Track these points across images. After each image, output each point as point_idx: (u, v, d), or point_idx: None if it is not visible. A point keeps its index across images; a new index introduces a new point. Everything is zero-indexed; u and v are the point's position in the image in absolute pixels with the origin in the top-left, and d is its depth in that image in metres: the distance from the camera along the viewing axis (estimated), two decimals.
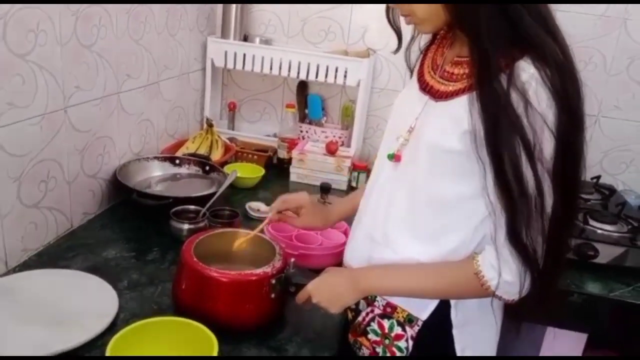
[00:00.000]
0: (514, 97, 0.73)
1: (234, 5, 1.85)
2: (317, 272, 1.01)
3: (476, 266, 0.82)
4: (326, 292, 0.93)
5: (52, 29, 1.13)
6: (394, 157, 0.89)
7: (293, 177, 1.78)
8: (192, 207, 1.32)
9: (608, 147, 1.86)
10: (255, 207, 1.49)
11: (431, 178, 0.85)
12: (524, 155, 0.73)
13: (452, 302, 0.89)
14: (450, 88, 0.83)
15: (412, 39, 0.96)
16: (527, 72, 0.73)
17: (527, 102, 0.72)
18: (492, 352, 0.97)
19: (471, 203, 0.82)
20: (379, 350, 0.96)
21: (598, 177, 1.80)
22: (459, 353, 0.90)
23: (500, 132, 0.73)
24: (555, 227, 0.77)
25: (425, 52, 0.95)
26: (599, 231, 1.44)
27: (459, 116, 0.78)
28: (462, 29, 0.81)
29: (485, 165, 0.77)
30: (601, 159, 1.87)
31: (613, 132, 1.84)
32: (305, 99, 1.97)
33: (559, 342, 1.41)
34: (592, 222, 1.47)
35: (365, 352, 0.99)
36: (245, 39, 1.91)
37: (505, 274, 0.80)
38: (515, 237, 0.77)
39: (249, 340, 0.98)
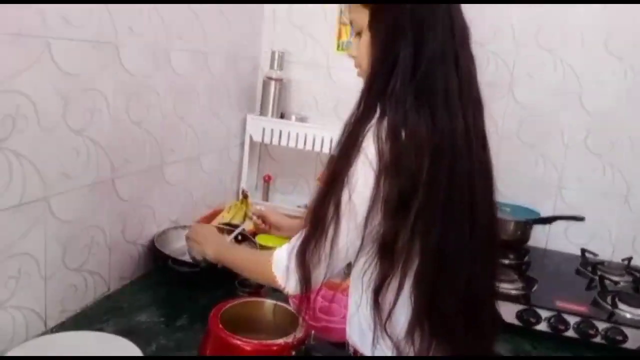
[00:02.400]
0: (356, 148, 0.83)
1: (272, 85, 1.98)
2: (338, 345, 1.04)
3: (270, 257, 0.97)
4: (200, 234, 1.25)
5: (107, 108, 1.25)
6: None
7: None
8: None
9: (639, 227, 1.84)
10: None
11: None
12: (336, 186, 0.84)
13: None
14: None
15: None
16: (368, 134, 0.83)
17: (363, 154, 0.83)
18: None
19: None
20: None
21: (630, 259, 1.77)
22: None
23: (333, 166, 0.86)
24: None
25: None
26: (629, 315, 1.41)
27: None
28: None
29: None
30: (633, 240, 1.85)
31: None
32: None
33: None
34: (621, 306, 1.44)
35: None
36: (282, 116, 2.03)
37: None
38: (300, 247, 0.89)
39: None
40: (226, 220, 1.81)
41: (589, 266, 1.72)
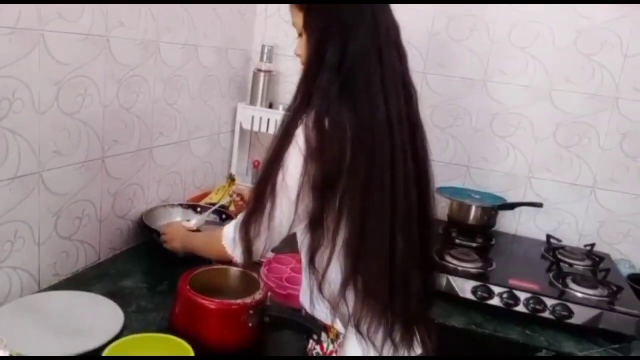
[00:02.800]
0: (289, 136, 0.96)
1: (262, 76, 2.11)
2: (295, 309, 1.18)
3: (220, 232, 1.13)
4: (171, 233, 1.43)
5: (98, 94, 1.39)
6: None
7: None
8: None
9: (604, 217, 1.94)
10: None
11: None
12: (272, 167, 0.97)
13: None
14: None
15: None
16: (300, 125, 0.95)
17: (294, 140, 0.95)
18: None
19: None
20: None
21: (592, 245, 1.88)
22: None
23: (271, 150, 0.99)
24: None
25: None
26: (579, 294, 1.52)
27: None
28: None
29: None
30: (598, 228, 1.95)
31: (608, 203, 1.92)
32: None
33: None
34: (571, 285, 1.55)
35: None
36: (271, 105, 2.16)
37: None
38: (244, 221, 1.02)
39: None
40: (214, 201, 1.95)
41: (551, 251, 1.82)
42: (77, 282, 1.39)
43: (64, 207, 1.35)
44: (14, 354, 0.95)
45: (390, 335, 1.03)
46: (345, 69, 0.95)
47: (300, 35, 1.05)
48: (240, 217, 1.06)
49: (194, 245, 1.32)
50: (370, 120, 0.95)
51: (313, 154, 0.94)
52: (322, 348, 1.11)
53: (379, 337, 1.03)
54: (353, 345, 1.05)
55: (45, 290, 1.32)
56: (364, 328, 1.01)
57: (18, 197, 1.21)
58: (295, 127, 0.95)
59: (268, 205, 0.98)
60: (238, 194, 1.58)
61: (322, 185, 0.95)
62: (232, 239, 1.08)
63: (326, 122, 0.93)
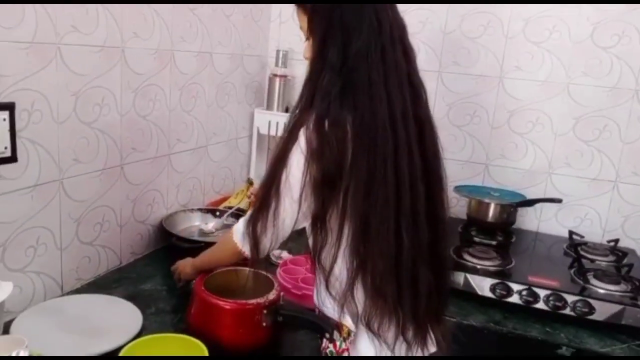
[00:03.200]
0: (293, 137, 0.98)
1: (277, 81, 2.14)
2: (309, 308, 1.19)
3: (231, 231, 1.15)
4: (181, 265, 1.39)
5: (115, 103, 1.44)
6: None
7: None
8: None
9: (628, 212, 1.89)
10: (278, 254, 1.69)
11: None
12: (276, 168, 1.00)
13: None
14: None
15: None
16: (303, 126, 0.96)
17: (297, 143, 0.97)
18: None
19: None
20: None
21: (616, 241, 1.84)
22: None
23: (275, 152, 1.02)
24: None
25: None
26: (601, 290, 1.49)
27: None
28: None
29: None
30: (622, 223, 1.91)
31: (632, 197, 1.88)
32: None
33: None
34: (593, 281, 1.52)
35: None
36: (287, 110, 2.18)
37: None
38: (251, 220, 1.05)
39: None
40: (233, 205, 1.98)
41: (573, 247, 1.79)
42: (98, 285, 1.43)
43: (85, 213, 1.40)
44: (35, 354, 0.99)
45: (402, 333, 1.03)
46: (347, 69, 0.96)
47: (307, 38, 1.06)
48: (248, 214, 1.09)
49: (204, 259, 1.30)
50: (372, 119, 0.96)
51: (313, 155, 0.95)
52: (335, 346, 1.12)
53: (390, 335, 1.04)
54: (365, 344, 1.06)
55: (68, 294, 1.37)
56: (374, 326, 1.02)
57: (40, 204, 1.26)
58: (299, 128, 0.97)
59: (273, 204, 1.00)
60: (255, 195, 1.59)
61: (323, 184, 0.96)
62: (242, 235, 1.11)
63: (326, 123, 0.94)
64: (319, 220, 1.00)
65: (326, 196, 0.97)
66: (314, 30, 1.02)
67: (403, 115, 0.99)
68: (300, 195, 0.98)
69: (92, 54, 1.33)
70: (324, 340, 1.14)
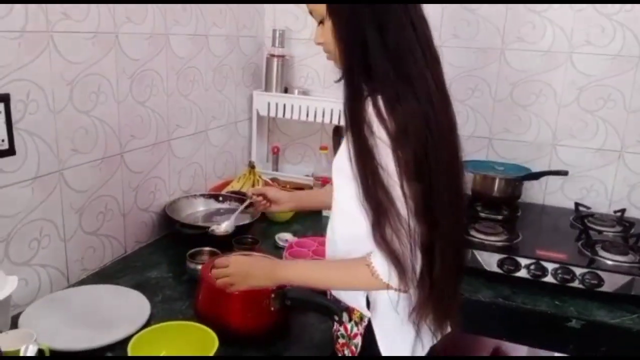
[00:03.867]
0: (365, 127, 0.91)
1: (275, 61, 2.10)
2: (317, 291, 1.18)
3: (368, 259, 0.97)
4: (240, 269, 1.11)
5: (111, 90, 1.41)
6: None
7: (324, 212, 1.95)
8: (207, 248, 1.47)
9: (634, 181, 1.88)
10: (284, 237, 1.68)
11: (337, 195, 1.06)
12: (373, 170, 0.91)
13: (378, 302, 1.04)
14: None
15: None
16: (368, 110, 0.91)
17: (371, 132, 0.90)
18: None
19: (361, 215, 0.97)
20: (347, 351, 1.10)
21: (623, 211, 1.82)
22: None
23: (359, 154, 0.92)
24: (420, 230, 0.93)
25: None
26: (609, 262, 1.48)
27: (345, 144, 0.97)
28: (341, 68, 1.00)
29: (356, 180, 0.94)
30: (628, 193, 1.89)
31: (638, 166, 1.86)
32: (339, 142, 2.16)
33: None
34: (601, 253, 1.51)
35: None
36: (286, 90, 2.16)
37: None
38: (378, 237, 0.93)
39: (252, 346, 1.16)
40: (236, 189, 1.96)
41: (580, 219, 1.78)
42: (105, 275, 1.42)
43: (87, 203, 1.38)
44: (44, 347, 0.98)
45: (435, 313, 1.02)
46: (392, 47, 0.92)
47: (321, 22, 1.01)
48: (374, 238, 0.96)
49: (300, 277, 1.09)
50: (427, 95, 0.92)
51: (398, 140, 0.90)
52: (346, 330, 1.11)
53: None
54: (386, 318, 1.05)
55: (75, 285, 1.36)
56: (415, 315, 1.01)
57: (41, 197, 1.24)
58: (363, 118, 0.91)
59: (389, 207, 0.92)
60: (259, 195, 1.48)
61: (415, 168, 0.91)
62: (387, 270, 0.95)
63: (398, 105, 0.90)
64: (418, 208, 0.93)
65: (419, 181, 0.92)
66: (337, 13, 0.96)
67: (442, 89, 0.97)
68: (402, 187, 0.91)
69: (85, 41, 1.31)
70: (335, 323, 1.14)
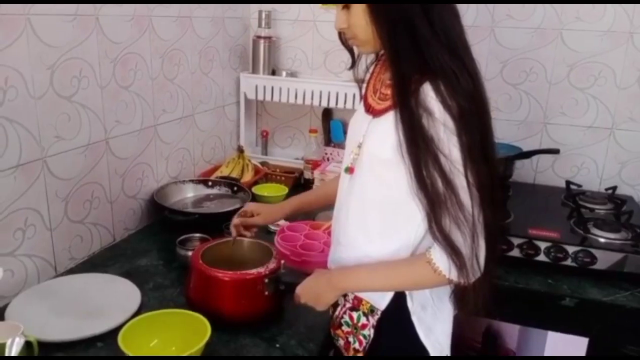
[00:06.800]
0: (423, 114, 0.86)
1: (262, 43, 2.06)
2: (309, 274, 1.16)
3: (428, 255, 0.94)
4: (310, 293, 1.07)
5: (93, 75, 1.37)
6: (349, 170, 1.03)
7: None
8: (197, 235, 1.45)
9: (625, 158, 1.88)
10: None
11: (373, 185, 0.99)
12: (433, 159, 0.86)
13: (407, 292, 1.01)
14: (382, 106, 0.97)
15: (357, 57, 1.10)
16: (429, 94, 0.86)
17: (432, 118, 0.86)
18: (449, 333, 1.07)
19: (408, 206, 0.94)
20: (351, 339, 1.08)
21: (614, 188, 1.82)
22: (422, 337, 1.01)
23: (415, 142, 0.87)
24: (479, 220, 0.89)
25: (370, 76, 1.09)
26: (601, 239, 1.48)
27: (388, 130, 0.92)
28: (385, 54, 0.94)
29: (409, 169, 0.89)
30: (619, 170, 1.89)
31: (629, 143, 1.86)
32: (329, 125, 2.14)
33: (560, 348, 1.45)
34: (593, 230, 1.51)
35: (341, 342, 1.12)
36: (274, 73, 2.12)
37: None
38: (435, 228, 0.89)
39: (246, 331, 1.14)
40: (225, 174, 1.94)
41: (571, 197, 1.77)
42: (93, 264, 1.40)
43: (73, 191, 1.35)
44: (32, 339, 0.96)
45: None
46: (439, 27, 0.87)
47: (346, 7, 0.95)
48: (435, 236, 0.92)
49: (362, 284, 1.04)
50: (476, 73, 0.89)
51: (463, 124, 0.86)
52: (351, 318, 1.08)
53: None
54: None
55: (63, 274, 1.33)
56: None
57: (24, 185, 1.21)
58: (420, 105, 0.87)
59: (449, 196, 0.88)
60: (243, 215, 1.31)
61: (482, 148, 0.88)
62: (447, 264, 0.91)
63: (459, 87, 0.86)
64: (485, 193, 0.89)
65: (489, 159, 0.90)
66: None
67: None
68: (466, 173, 0.87)
69: (64, 24, 1.26)
70: (338, 309, 1.11)
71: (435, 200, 0.88)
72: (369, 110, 1.02)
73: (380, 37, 0.91)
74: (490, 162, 0.90)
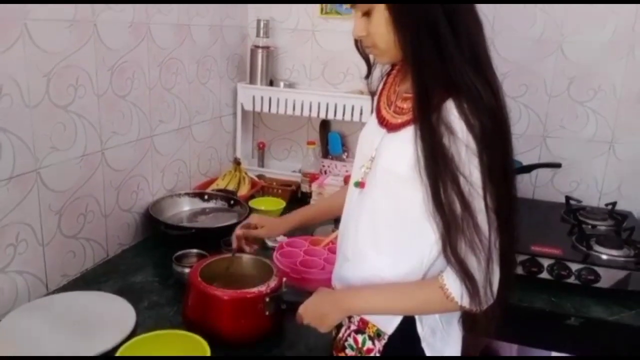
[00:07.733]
0: (444, 132, 0.83)
1: (260, 53, 2.03)
2: (311, 292, 1.13)
3: (441, 280, 0.90)
4: (313, 313, 1.02)
5: (90, 83, 1.33)
6: (360, 184, 1.00)
7: None
8: (194, 250, 1.41)
9: (624, 172, 1.87)
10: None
11: (387, 201, 0.95)
12: (451, 180, 0.83)
13: (417, 317, 0.97)
14: (399, 120, 0.94)
15: (372, 66, 1.06)
16: (452, 112, 0.83)
17: (454, 137, 0.83)
18: (458, 354, 1.04)
19: (422, 224, 0.91)
20: None
21: (614, 204, 1.81)
22: None
23: (435, 160, 0.84)
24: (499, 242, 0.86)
25: (382, 87, 1.06)
26: (604, 256, 1.46)
27: (405, 145, 0.88)
28: (408, 65, 0.90)
29: (426, 188, 0.86)
30: (619, 185, 1.88)
31: (629, 157, 1.85)
32: (327, 137, 2.11)
33: None
34: (596, 247, 1.49)
35: None
36: (271, 83, 2.09)
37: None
38: (449, 252, 0.86)
39: (245, 353, 1.10)
40: (221, 187, 1.90)
41: (572, 213, 1.76)
42: (86, 281, 1.35)
43: (66, 204, 1.31)
44: None
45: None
46: (465, 39, 0.84)
47: (365, 14, 0.91)
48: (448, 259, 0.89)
49: (369, 306, 0.99)
50: (500, 92, 0.87)
51: (486, 144, 0.83)
52: (355, 341, 1.04)
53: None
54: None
55: (54, 292, 1.28)
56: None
57: (16, 198, 1.16)
58: (442, 121, 0.83)
59: (466, 219, 0.84)
60: (247, 228, 1.27)
61: (503, 169, 0.86)
62: (459, 291, 0.88)
63: (482, 105, 0.83)
64: (502, 214, 0.87)
65: (504, 186, 0.86)
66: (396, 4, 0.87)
67: None
68: (484, 197, 0.84)
69: (62, 30, 1.22)
70: (342, 330, 1.07)
71: (451, 222, 0.85)
72: (383, 123, 0.99)
73: (404, 47, 0.88)
74: (509, 182, 0.87)
